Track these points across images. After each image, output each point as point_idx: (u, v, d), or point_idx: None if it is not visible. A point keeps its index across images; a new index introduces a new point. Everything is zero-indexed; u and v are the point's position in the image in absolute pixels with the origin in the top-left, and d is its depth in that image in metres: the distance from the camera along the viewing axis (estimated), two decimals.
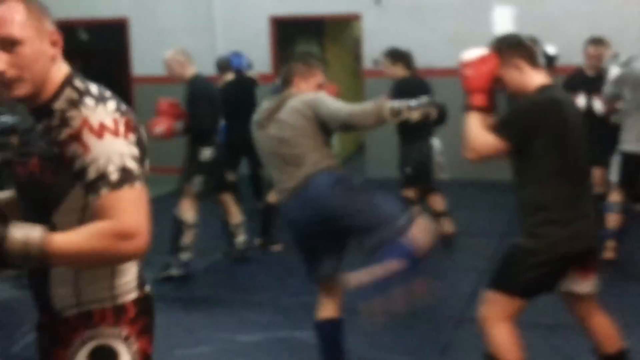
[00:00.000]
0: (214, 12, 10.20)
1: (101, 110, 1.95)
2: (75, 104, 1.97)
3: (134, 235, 1.89)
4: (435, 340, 4.73)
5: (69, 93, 2.00)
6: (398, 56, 6.35)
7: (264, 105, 3.97)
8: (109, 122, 1.94)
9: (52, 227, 1.93)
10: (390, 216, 3.64)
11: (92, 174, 1.90)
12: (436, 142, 6.32)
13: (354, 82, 10.72)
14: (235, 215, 6.36)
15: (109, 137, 1.92)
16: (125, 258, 1.96)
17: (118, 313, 2.05)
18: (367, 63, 9.83)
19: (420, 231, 3.62)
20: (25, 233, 1.84)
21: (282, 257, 6.42)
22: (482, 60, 3.37)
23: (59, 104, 1.99)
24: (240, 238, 6.37)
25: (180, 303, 5.48)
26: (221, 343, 4.72)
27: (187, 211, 5.89)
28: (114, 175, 1.90)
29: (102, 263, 1.98)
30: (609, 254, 5.72)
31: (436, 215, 6.27)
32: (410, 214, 3.80)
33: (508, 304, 3.31)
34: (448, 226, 6.46)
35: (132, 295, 2.08)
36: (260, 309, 5.32)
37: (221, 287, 5.90)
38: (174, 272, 5.86)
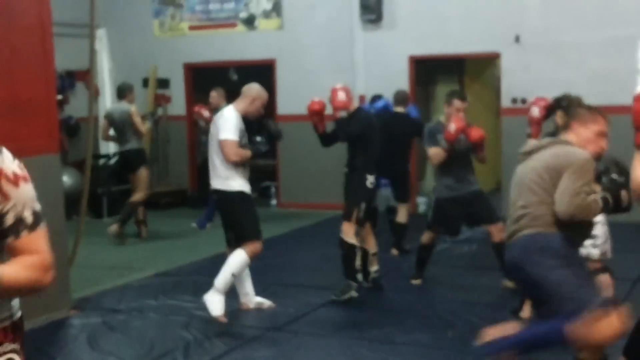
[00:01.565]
0: (355, 52, 10.59)
1: (7, 159, 2.17)
2: None
3: (51, 267, 2.20)
4: None
5: None
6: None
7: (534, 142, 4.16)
8: (19, 170, 2.18)
9: None
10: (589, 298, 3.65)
11: (10, 220, 2.15)
12: None
13: (494, 120, 10.77)
14: (373, 245, 6.60)
15: (22, 185, 2.17)
16: (45, 287, 2.22)
17: (14, 330, 2.27)
18: (505, 101, 9.90)
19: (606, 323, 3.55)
20: None
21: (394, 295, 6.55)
22: None
23: None
24: (374, 267, 6.61)
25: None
26: None
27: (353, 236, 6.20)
28: (29, 219, 2.17)
29: (29, 293, 2.21)
30: None
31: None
32: (605, 300, 3.74)
33: None
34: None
35: (19, 314, 2.31)
36: (372, 345, 5.30)
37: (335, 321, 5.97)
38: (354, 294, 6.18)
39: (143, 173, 8.99)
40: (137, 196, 8.98)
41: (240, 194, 5.72)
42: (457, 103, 6.43)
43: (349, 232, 6.18)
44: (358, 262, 6.28)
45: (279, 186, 11.25)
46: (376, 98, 9.07)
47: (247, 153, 5.74)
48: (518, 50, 9.72)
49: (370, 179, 6.26)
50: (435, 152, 6.39)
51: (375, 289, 6.59)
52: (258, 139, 5.94)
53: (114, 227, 8.87)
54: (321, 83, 10.17)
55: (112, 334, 5.61)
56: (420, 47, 10.26)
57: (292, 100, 10.69)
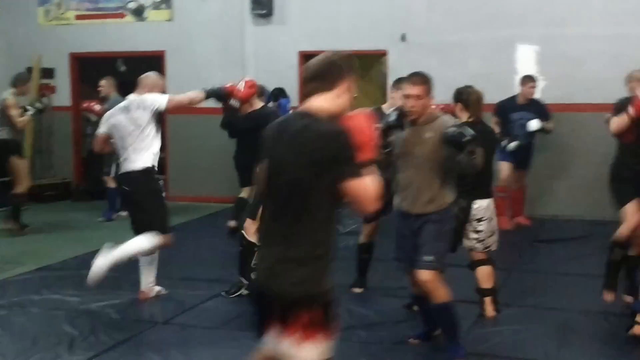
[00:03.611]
0: (245, 46, 10.61)
1: None
2: None
3: None
4: None
5: None
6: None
7: None
8: None
9: None
10: None
11: None
12: None
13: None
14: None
15: None
16: None
17: None
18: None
19: None
20: None
21: None
22: None
23: None
24: None
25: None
26: None
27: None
28: None
29: None
30: None
31: None
32: None
33: None
34: None
35: None
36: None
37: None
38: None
39: (18, 163, 8.79)
40: (20, 187, 8.82)
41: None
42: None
43: (250, 230, 6.11)
44: (255, 261, 6.29)
45: (167, 179, 11.14)
46: (279, 94, 9.18)
47: None
48: (404, 49, 9.98)
49: None
50: None
51: None
52: None
53: (9, 225, 8.77)
54: (211, 76, 10.13)
55: None
56: (310, 42, 10.38)
57: (181, 92, 10.50)
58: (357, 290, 6.36)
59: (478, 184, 5.13)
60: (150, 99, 5.90)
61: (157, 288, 6.25)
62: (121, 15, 11.24)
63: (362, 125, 2.86)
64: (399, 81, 6.37)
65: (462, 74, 9.38)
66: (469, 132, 4.48)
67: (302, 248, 2.86)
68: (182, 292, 6.35)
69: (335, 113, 2.94)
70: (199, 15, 10.90)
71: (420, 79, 4.70)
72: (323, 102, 2.95)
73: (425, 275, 4.59)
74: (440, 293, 4.62)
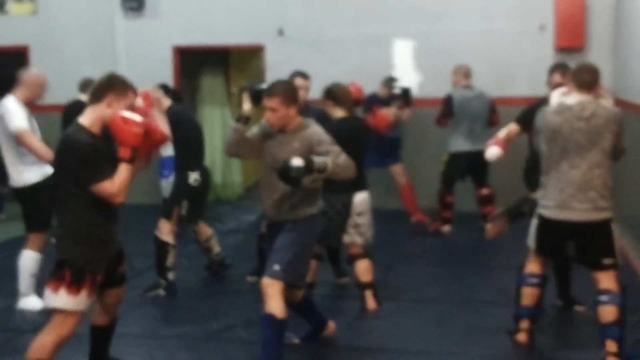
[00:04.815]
0: (116, 41, 10.19)
1: None
2: None
3: None
4: None
5: None
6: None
7: None
8: None
9: None
10: None
11: None
12: None
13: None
14: (205, 232, 6.74)
15: None
16: None
17: None
18: None
19: None
20: None
21: None
22: None
23: None
24: (215, 251, 6.79)
25: None
26: None
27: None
28: None
29: None
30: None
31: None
32: None
33: None
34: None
35: None
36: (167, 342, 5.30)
37: None
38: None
39: None
40: None
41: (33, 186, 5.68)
42: (299, 81, 6.30)
43: (164, 230, 6.15)
44: (171, 260, 6.18)
45: None
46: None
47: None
48: (282, 44, 9.84)
49: (193, 176, 6.22)
50: None
51: (225, 268, 6.76)
52: None
53: None
54: (80, 72, 9.65)
55: None
56: (184, 37, 10.09)
57: (49, 88, 10.00)
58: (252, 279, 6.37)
59: (355, 178, 5.04)
60: (6, 117, 5.59)
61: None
62: None
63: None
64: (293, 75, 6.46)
65: (340, 70, 9.36)
66: (295, 164, 4.25)
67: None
68: None
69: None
70: (65, 8, 10.37)
71: (278, 89, 4.53)
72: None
73: (266, 281, 4.44)
74: (274, 304, 4.39)
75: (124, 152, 3.85)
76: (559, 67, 6.07)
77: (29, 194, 5.67)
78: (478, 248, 7.56)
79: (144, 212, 8.24)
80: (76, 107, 7.68)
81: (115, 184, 3.84)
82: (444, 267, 7.12)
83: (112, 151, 3.95)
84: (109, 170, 3.87)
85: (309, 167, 4.24)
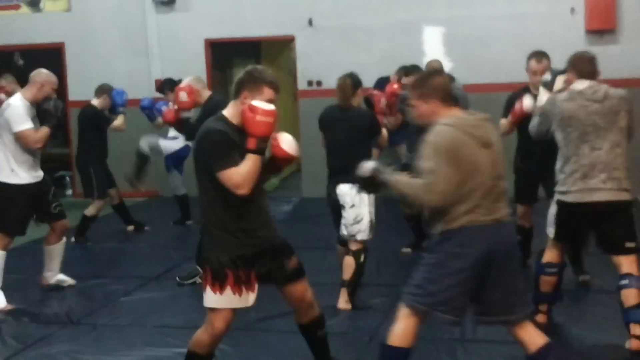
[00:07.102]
0: (149, 35, 10.33)
1: None
2: None
3: None
4: None
5: None
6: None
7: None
8: None
9: None
10: None
11: None
12: None
13: (292, 102, 10.93)
14: None
15: None
16: None
17: None
18: (302, 83, 10.07)
19: None
20: None
21: None
22: None
23: None
24: None
25: None
26: None
27: None
28: None
29: None
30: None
31: None
32: None
33: None
34: None
35: None
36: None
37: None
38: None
39: None
40: None
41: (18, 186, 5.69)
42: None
43: None
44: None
45: (74, 175, 10.77)
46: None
47: (45, 130, 5.69)
48: (311, 34, 9.90)
49: None
50: None
51: None
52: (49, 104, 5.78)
53: None
54: (114, 67, 9.85)
55: None
56: (215, 30, 10.19)
57: (83, 85, 10.15)
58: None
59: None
60: (9, 118, 5.63)
61: (60, 277, 6.18)
62: (16, 7, 10.77)
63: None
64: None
65: (370, 58, 9.41)
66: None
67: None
68: (93, 290, 6.17)
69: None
70: (98, 4, 10.53)
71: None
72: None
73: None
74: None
75: (250, 142, 3.61)
76: (535, 54, 5.95)
77: (5, 192, 5.66)
78: None
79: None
80: (86, 112, 7.83)
81: (239, 172, 3.57)
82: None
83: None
84: (240, 162, 3.62)
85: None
